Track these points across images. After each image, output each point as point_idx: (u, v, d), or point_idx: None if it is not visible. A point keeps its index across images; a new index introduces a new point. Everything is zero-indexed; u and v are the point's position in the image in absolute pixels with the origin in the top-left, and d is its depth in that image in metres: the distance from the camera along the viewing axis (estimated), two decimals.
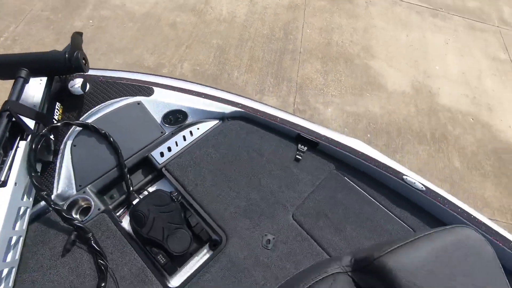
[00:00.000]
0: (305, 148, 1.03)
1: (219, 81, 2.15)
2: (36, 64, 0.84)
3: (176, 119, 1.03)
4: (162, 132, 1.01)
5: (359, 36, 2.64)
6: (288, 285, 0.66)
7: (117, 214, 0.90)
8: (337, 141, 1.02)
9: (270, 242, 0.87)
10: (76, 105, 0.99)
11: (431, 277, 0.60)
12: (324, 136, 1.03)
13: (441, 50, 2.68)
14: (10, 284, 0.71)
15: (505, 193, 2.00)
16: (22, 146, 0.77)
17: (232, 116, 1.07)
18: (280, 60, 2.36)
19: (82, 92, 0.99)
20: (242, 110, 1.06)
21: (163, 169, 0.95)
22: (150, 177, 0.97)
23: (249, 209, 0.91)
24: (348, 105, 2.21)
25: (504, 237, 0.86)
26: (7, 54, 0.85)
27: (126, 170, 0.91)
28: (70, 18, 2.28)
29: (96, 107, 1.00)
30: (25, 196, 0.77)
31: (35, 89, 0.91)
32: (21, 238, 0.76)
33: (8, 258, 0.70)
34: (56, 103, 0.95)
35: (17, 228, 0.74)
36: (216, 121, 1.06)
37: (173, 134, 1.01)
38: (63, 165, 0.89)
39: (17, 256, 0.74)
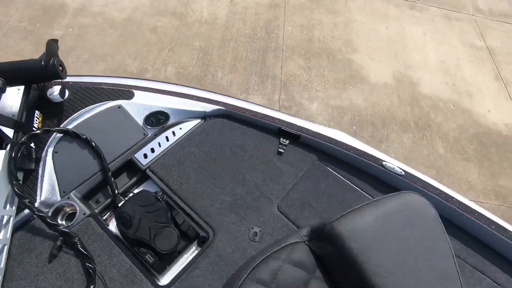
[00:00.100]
0: (287, 141, 1.05)
1: (203, 83, 2.16)
2: (12, 73, 0.84)
3: (158, 120, 1.04)
4: (144, 134, 1.01)
5: (339, 31, 2.68)
6: (253, 259, 0.69)
7: (104, 217, 0.90)
8: (318, 133, 1.04)
9: (257, 235, 0.89)
10: (56, 112, 0.99)
11: (376, 238, 0.65)
12: (305, 128, 1.05)
13: (420, 40, 2.74)
14: None
15: (488, 176, 2.06)
16: (1, 155, 0.77)
17: (214, 115, 1.09)
18: (264, 58, 2.38)
19: (62, 99, 0.99)
20: (223, 108, 1.07)
21: (147, 170, 0.96)
22: (135, 179, 0.98)
23: (235, 203, 0.92)
24: (332, 99, 2.25)
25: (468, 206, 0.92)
26: None
27: (110, 173, 0.92)
28: (48, 27, 2.25)
29: (76, 113, 1.00)
30: (8, 205, 0.77)
31: (12, 98, 0.91)
32: (6, 247, 0.76)
33: None
34: (35, 111, 0.95)
35: (0, 237, 0.73)
36: (198, 120, 1.07)
37: (155, 135, 1.02)
38: (46, 172, 0.89)
39: (2, 265, 0.74)
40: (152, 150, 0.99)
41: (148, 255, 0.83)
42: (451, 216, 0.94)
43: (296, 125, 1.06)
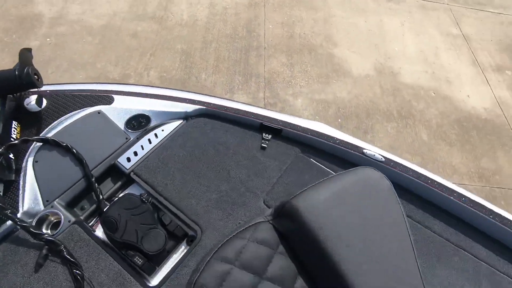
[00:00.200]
0: (270, 136, 1.06)
1: (187, 85, 2.16)
2: None
3: (140, 123, 1.04)
4: (126, 138, 1.01)
5: (320, 26, 2.72)
6: (220, 242, 0.73)
7: (90, 224, 0.90)
8: (299, 126, 1.06)
9: None
10: (34, 122, 0.98)
11: (331, 212, 0.69)
12: (286, 122, 1.07)
13: (398, 31, 2.80)
14: None
15: (470, 158, 2.13)
16: None
17: (196, 114, 1.09)
18: (246, 57, 2.39)
19: (39, 108, 0.98)
20: (205, 107, 1.08)
21: (132, 174, 0.96)
22: (119, 183, 0.97)
23: (221, 200, 0.93)
24: (316, 94, 2.28)
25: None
26: None
27: (93, 179, 0.91)
28: (25, 38, 2.22)
29: (56, 121, 0.99)
30: None
31: None
32: None
33: None
34: (12, 122, 0.94)
35: None
36: (180, 121, 1.08)
37: (138, 138, 1.02)
38: (27, 182, 0.88)
39: None
40: (135, 153, 0.98)
41: (137, 257, 0.83)
42: (408, 185, 1.00)
43: (277, 119, 1.07)
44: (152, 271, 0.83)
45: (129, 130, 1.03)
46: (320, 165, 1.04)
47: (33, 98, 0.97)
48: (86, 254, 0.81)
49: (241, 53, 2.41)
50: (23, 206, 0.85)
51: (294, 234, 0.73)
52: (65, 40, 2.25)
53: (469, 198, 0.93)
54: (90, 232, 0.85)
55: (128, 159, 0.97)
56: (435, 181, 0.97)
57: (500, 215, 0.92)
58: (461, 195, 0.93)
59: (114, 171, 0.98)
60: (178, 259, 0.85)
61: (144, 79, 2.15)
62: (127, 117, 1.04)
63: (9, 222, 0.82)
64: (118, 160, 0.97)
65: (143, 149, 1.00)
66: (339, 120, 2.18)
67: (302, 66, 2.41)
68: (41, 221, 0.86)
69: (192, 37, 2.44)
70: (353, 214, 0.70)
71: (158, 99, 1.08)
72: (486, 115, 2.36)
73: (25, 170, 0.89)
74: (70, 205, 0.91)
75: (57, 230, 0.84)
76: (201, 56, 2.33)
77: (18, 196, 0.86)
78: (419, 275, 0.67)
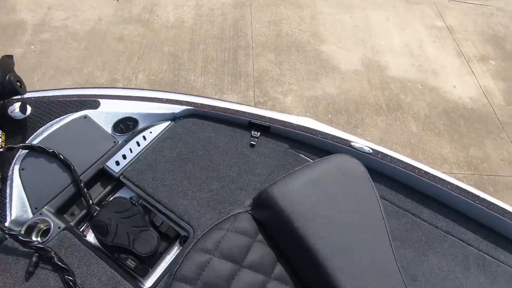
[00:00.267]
0: (258, 133, 1.07)
1: (176, 87, 2.16)
2: None
3: (127, 126, 1.03)
4: (114, 142, 1.01)
5: (306, 24, 2.73)
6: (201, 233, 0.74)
7: (81, 229, 0.89)
8: (287, 122, 1.07)
9: None
10: (19, 129, 0.97)
11: (307, 199, 0.70)
12: (274, 119, 1.07)
13: (384, 26, 2.84)
14: None
15: (459, 148, 2.17)
16: None
17: (183, 115, 1.09)
18: (235, 57, 2.40)
19: (24, 116, 0.97)
20: (192, 107, 1.08)
21: (121, 177, 0.95)
22: (109, 187, 0.97)
23: (212, 199, 0.94)
24: (306, 91, 2.29)
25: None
26: None
27: (82, 184, 0.91)
28: (8, 46, 2.18)
29: (41, 128, 0.98)
30: None
31: None
32: None
33: None
34: None
35: None
36: (168, 122, 1.08)
37: (126, 141, 1.01)
38: (14, 190, 0.86)
39: None
40: (124, 157, 0.98)
41: (129, 260, 0.82)
42: (395, 175, 1.03)
43: (265, 116, 1.08)
44: (145, 273, 0.83)
45: (117, 134, 1.02)
46: (309, 159, 1.05)
47: (17, 106, 0.96)
48: (78, 260, 0.81)
49: (229, 53, 2.41)
50: (10, 214, 0.84)
51: (272, 223, 0.74)
52: (50, 47, 2.22)
53: (455, 185, 0.95)
54: (81, 238, 0.84)
55: (117, 163, 0.97)
56: (422, 170, 0.98)
57: (486, 200, 0.94)
58: (447, 183, 0.95)
59: (103, 176, 0.97)
60: (171, 261, 0.85)
61: (133, 82, 2.13)
62: (114, 120, 1.03)
63: None
64: (107, 164, 0.96)
65: (131, 152, 0.99)
66: (329, 115, 2.20)
67: (291, 64, 2.43)
68: (30, 229, 0.85)
69: (179, 39, 2.43)
70: (328, 201, 0.71)
71: (145, 101, 1.08)
72: (472, 104, 2.41)
73: (12, 178, 0.88)
74: (60, 212, 0.90)
75: (47, 237, 0.83)
76: (189, 58, 2.33)
77: (5, 205, 0.85)
78: (393, 255, 0.69)
